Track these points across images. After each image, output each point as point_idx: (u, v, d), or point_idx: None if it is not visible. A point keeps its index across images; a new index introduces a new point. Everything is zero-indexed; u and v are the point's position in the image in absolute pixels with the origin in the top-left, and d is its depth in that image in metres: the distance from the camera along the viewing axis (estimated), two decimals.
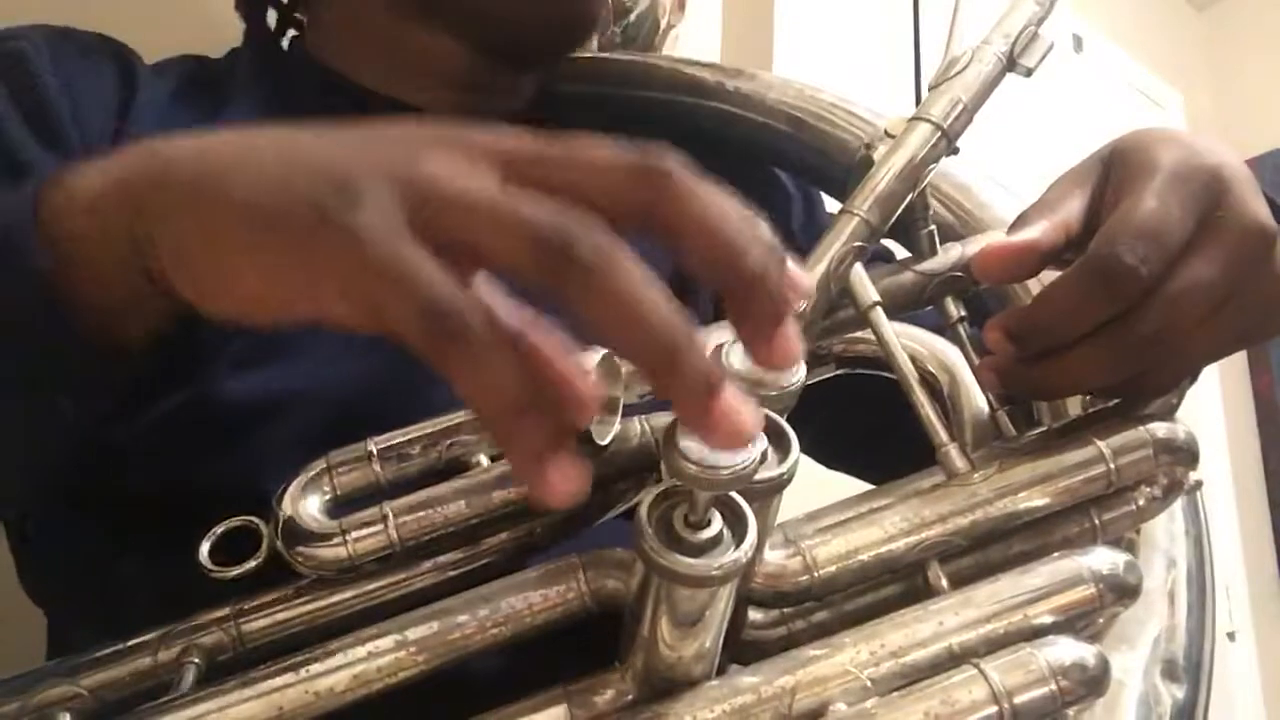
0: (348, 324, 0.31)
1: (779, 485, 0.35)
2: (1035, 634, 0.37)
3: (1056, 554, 0.40)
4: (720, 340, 0.37)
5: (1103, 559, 0.40)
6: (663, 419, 0.42)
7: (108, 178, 0.35)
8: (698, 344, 0.29)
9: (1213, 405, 2.55)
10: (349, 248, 0.29)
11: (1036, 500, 0.43)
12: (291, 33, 0.81)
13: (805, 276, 0.34)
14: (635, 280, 0.29)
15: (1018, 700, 0.34)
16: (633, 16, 0.85)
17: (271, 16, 0.80)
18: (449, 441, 0.44)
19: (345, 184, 0.30)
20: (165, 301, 0.35)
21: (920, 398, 0.46)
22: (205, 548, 0.42)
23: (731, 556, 0.31)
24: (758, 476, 0.31)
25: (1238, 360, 2.71)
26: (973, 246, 0.49)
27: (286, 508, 0.41)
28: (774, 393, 0.33)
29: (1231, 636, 2.36)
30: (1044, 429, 0.46)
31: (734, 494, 0.32)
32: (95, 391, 0.40)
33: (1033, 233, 0.44)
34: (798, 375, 0.33)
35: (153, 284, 0.35)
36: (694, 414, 0.29)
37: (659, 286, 0.29)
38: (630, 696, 0.37)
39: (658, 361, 0.29)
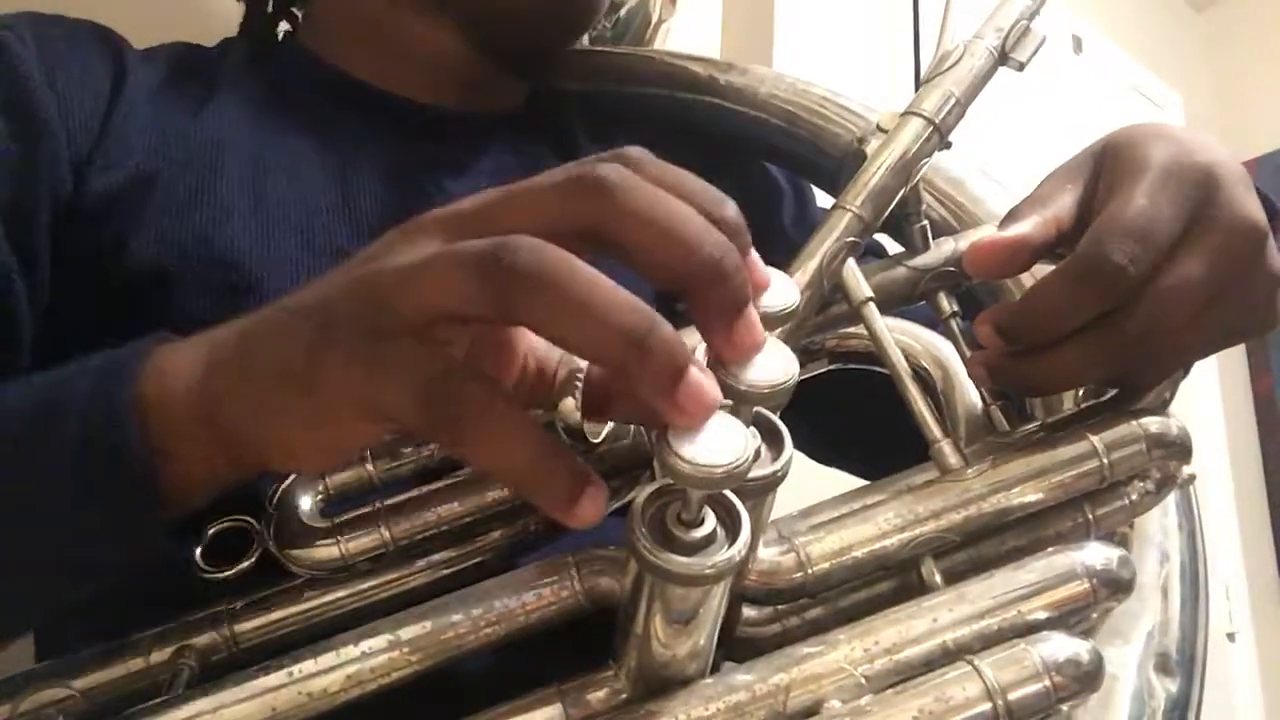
0: (389, 434, 0.35)
1: (773, 483, 0.34)
2: (1029, 630, 0.37)
3: (1050, 549, 0.40)
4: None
5: (1096, 554, 0.40)
6: None
7: (193, 379, 0.36)
8: (660, 327, 0.29)
9: (1212, 405, 2.55)
10: (341, 370, 0.31)
11: (1030, 495, 0.43)
12: (285, 26, 0.81)
13: (763, 268, 0.35)
14: (580, 277, 0.29)
15: (1012, 696, 0.34)
16: (623, 11, 0.85)
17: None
18: None
19: (323, 319, 0.33)
20: (239, 471, 0.37)
21: (913, 393, 0.46)
22: (198, 548, 0.42)
23: (725, 555, 0.31)
24: (751, 474, 0.31)
25: (1238, 360, 2.71)
26: (965, 241, 0.49)
27: (279, 507, 0.41)
28: (766, 391, 0.32)
29: (1231, 637, 2.36)
30: (1037, 424, 0.46)
31: (727, 492, 0.32)
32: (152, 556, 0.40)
33: (1023, 227, 0.44)
34: (791, 374, 0.33)
35: (234, 466, 0.37)
36: (664, 400, 0.30)
37: (606, 280, 0.30)
38: (624, 695, 0.37)
39: (623, 356, 0.29)
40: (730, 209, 0.33)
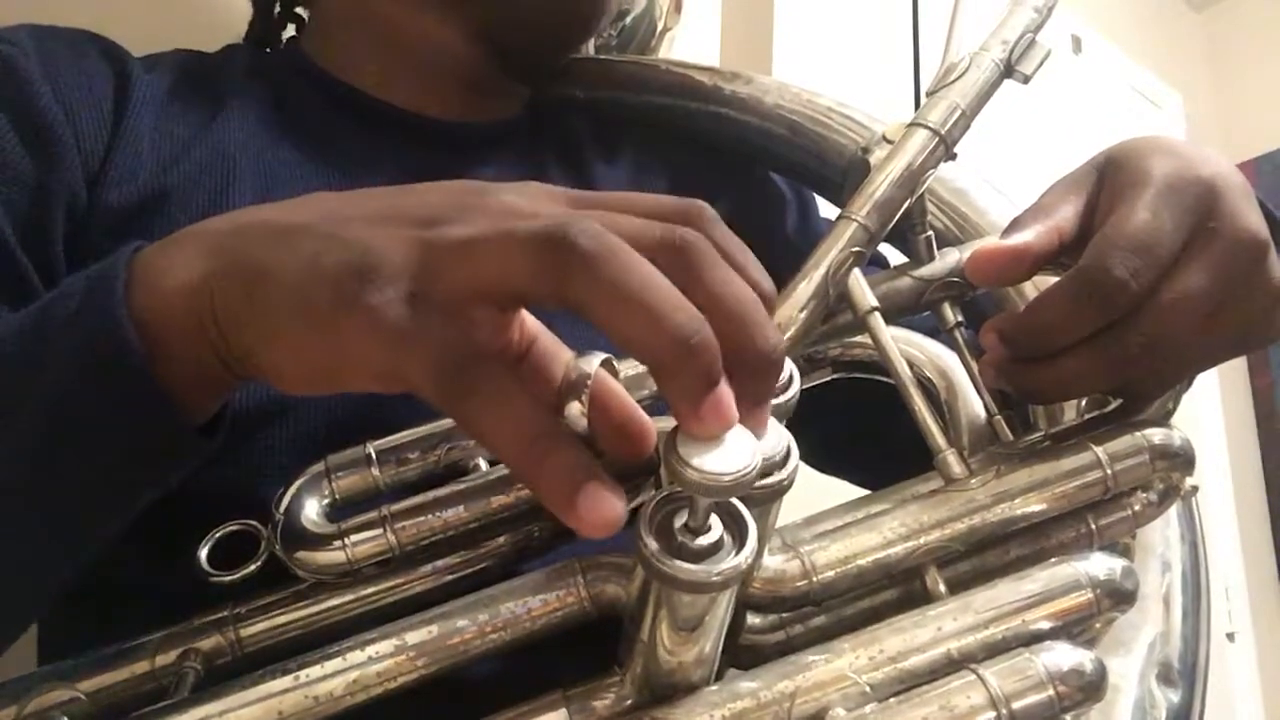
0: (388, 392, 0.33)
1: (779, 491, 0.35)
2: (1033, 639, 0.38)
3: (1054, 559, 0.41)
4: None
5: (1099, 565, 0.40)
6: (663, 424, 0.43)
7: (186, 275, 0.36)
8: (708, 333, 0.30)
9: (1212, 406, 2.55)
10: (368, 328, 0.31)
11: (1034, 506, 0.43)
12: (291, 31, 0.80)
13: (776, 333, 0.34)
14: (639, 267, 0.30)
15: (1016, 706, 0.34)
16: (629, 19, 0.85)
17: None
18: (447, 445, 0.44)
19: (361, 265, 0.32)
20: (234, 379, 0.37)
21: (918, 403, 0.46)
22: (204, 551, 0.42)
23: (732, 563, 0.31)
24: (758, 482, 0.31)
25: (1237, 361, 2.70)
26: (970, 252, 0.49)
27: (285, 511, 0.41)
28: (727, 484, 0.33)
29: (1231, 638, 2.36)
30: (1041, 434, 0.46)
31: (734, 500, 0.32)
32: (178, 470, 0.40)
33: (1026, 236, 0.45)
34: (793, 389, 0.33)
35: (228, 369, 0.36)
36: (691, 405, 0.30)
37: (662, 276, 0.30)
38: (629, 701, 0.37)
39: (669, 353, 0.30)
40: (771, 288, 0.35)
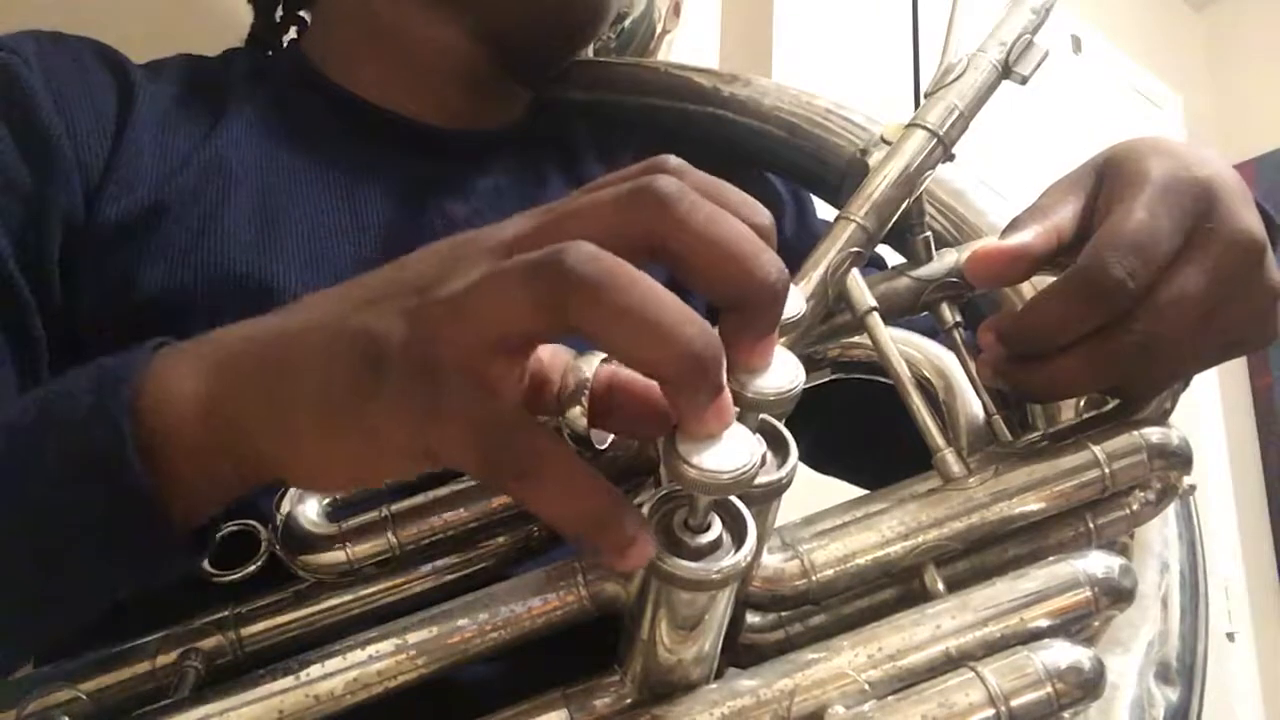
0: (433, 469, 0.33)
1: (778, 489, 0.35)
2: (1031, 637, 0.38)
3: (1052, 558, 0.41)
4: None
5: (1097, 563, 0.40)
6: None
7: (194, 387, 0.35)
8: (714, 341, 0.29)
9: (1212, 405, 2.55)
10: (392, 410, 0.30)
11: (1032, 505, 0.43)
12: (292, 35, 0.80)
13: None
14: (639, 285, 0.29)
15: (1015, 703, 0.35)
16: (628, 22, 0.85)
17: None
18: None
19: (370, 349, 0.31)
20: (245, 488, 0.36)
21: (916, 402, 0.46)
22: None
23: (731, 561, 0.31)
24: (757, 481, 0.31)
25: (1237, 361, 2.70)
26: (968, 252, 0.49)
27: (286, 511, 0.41)
28: (772, 398, 0.33)
29: (1231, 637, 2.36)
30: (1039, 434, 0.46)
31: (733, 498, 0.32)
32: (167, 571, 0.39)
33: (1024, 236, 0.45)
34: (796, 382, 0.33)
35: (242, 479, 0.36)
36: (698, 413, 0.30)
37: (664, 290, 0.30)
38: (629, 699, 0.37)
39: (680, 370, 0.29)
40: (766, 217, 0.33)
